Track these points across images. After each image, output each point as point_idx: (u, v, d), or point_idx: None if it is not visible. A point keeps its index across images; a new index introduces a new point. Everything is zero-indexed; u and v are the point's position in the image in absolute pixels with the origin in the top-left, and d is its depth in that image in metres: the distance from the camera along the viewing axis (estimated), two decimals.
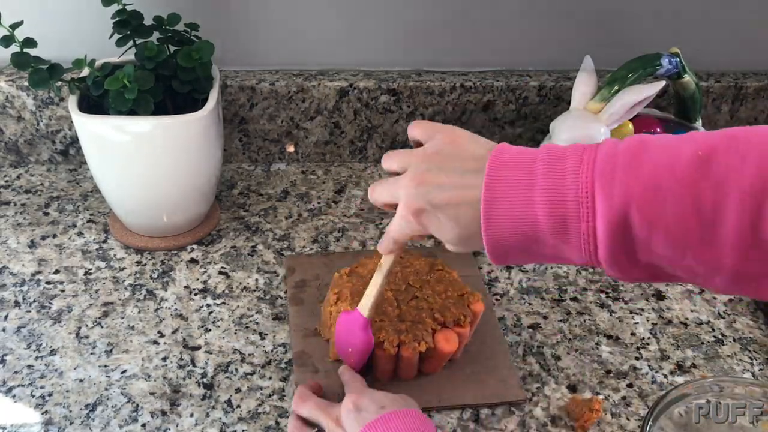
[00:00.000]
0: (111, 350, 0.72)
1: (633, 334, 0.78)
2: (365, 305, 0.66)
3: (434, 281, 0.72)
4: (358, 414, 0.59)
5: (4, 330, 0.74)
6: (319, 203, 0.94)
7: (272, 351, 0.73)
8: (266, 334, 0.75)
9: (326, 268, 0.81)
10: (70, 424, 0.65)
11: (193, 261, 0.84)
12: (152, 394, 0.68)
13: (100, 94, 0.76)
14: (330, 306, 0.71)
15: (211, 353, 0.73)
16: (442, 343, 0.67)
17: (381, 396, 0.61)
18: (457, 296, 0.71)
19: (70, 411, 0.66)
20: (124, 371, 0.70)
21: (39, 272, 0.81)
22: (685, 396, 0.62)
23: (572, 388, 0.71)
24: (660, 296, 0.83)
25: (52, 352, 0.72)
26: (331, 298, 0.71)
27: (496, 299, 0.81)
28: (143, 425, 0.65)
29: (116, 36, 0.78)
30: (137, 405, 0.67)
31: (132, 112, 0.74)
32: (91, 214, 0.89)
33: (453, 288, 0.71)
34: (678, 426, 0.64)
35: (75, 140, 0.96)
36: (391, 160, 0.58)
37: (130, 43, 0.79)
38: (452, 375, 0.71)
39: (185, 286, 0.80)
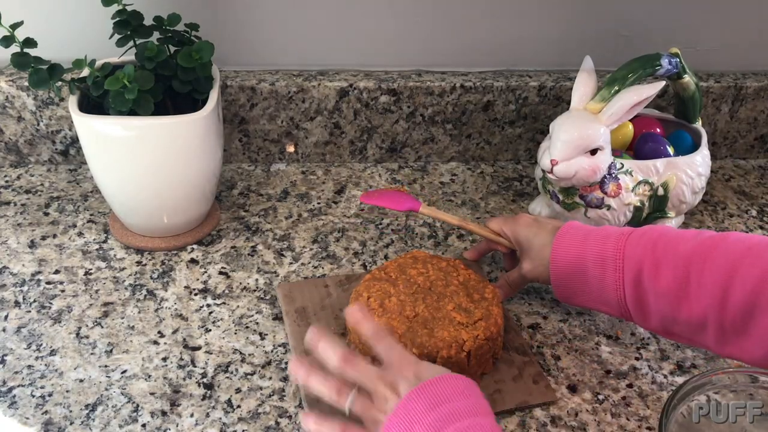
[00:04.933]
0: (111, 350, 0.72)
1: (633, 334, 0.78)
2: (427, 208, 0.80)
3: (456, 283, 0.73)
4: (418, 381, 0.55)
5: (4, 330, 0.74)
6: (319, 203, 0.94)
7: (272, 351, 0.73)
8: (266, 334, 0.75)
9: (320, 290, 0.79)
10: (70, 424, 0.65)
11: (193, 261, 0.84)
12: (152, 394, 0.68)
13: (101, 95, 0.76)
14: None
15: (211, 353, 0.73)
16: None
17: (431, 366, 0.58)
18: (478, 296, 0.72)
19: (70, 411, 0.66)
20: (125, 371, 0.70)
21: (39, 272, 0.81)
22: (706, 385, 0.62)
23: (572, 388, 0.71)
24: None
25: (53, 352, 0.72)
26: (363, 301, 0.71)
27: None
28: (143, 425, 0.65)
29: (116, 36, 0.78)
30: (137, 405, 0.67)
31: (132, 112, 0.75)
32: (91, 215, 0.89)
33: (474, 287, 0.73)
34: (678, 425, 0.64)
35: (75, 140, 0.96)
36: None
37: (131, 43, 0.79)
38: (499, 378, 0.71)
39: (185, 287, 0.80)
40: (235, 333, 0.75)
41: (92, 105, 0.78)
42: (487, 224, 0.80)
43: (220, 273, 0.82)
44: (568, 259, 0.71)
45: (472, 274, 0.74)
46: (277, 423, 0.66)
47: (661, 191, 0.86)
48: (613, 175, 0.83)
